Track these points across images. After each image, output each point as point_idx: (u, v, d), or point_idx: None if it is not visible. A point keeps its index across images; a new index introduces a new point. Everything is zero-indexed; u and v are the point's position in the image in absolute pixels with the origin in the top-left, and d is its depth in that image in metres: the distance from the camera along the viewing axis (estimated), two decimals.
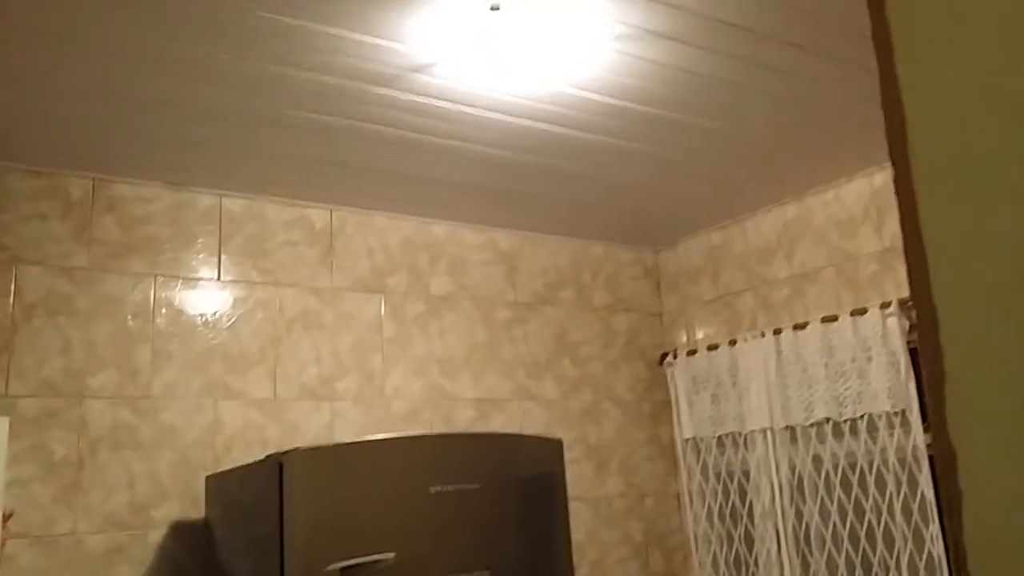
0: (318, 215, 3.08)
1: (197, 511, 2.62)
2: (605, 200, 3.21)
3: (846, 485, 2.91)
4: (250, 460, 2.44)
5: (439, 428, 3.11)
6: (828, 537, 2.94)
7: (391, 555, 2.01)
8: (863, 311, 2.90)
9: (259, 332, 2.87)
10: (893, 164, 0.57)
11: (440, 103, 2.38)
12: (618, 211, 3.35)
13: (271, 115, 2.38)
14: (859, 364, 2.89)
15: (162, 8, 1.86)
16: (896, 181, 0.57)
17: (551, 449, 2.42)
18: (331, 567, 1.97)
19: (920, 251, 0.54)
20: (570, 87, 2.34)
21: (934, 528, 2.64)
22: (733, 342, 3.33)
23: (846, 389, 2.92)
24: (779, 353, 3.14)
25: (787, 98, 2.44)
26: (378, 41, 2.06)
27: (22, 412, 2.46)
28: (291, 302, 2.96)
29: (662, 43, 2.13)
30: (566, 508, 2.41)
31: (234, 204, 2.92)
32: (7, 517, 2.26)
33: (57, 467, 2.48)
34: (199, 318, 2.79)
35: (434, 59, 2.16)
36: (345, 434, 2.92)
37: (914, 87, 0.57)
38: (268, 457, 2.18)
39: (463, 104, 2.39)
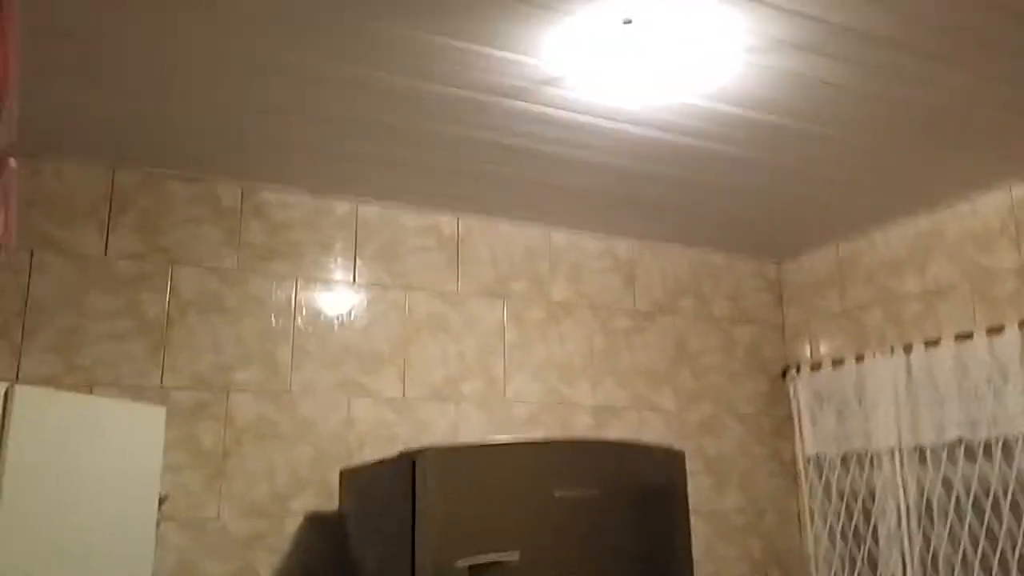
0: (446, 222, 3.19)
1: (331, 503, 2.76)
2: (728, 210, 3.20)
3: (978, 510, 2.80)
4: (382, 456, 2.56)
5: (557, 433, 3.16)
6: (957, 564, 2.84)
7: (516, 553, 2.08)
8: (1000, 329, 2.79)
9: (390, 334, 3.01)
10: None
11: (569, 115, 2.44)
12: (741, 221, 3.33)
13: (406, 127, 2.50)
14: (995, 385, 2.78)
15: (307, 26, 1.99)
16: None
17: (673, 460, 2.44)
18: (460, 563, 2.05)
19: None
20: (698, 98, 2.36)
21: None
22: (860, 358, 3.26)
23: (980, 410, 2.81)
24: (909, 371, 3.05)
25: (922, 109, 2.39)
26: (510, 55, 2.13)
27: (176, 403, 2.66)
28: (420, 305, 3.08)
29: (793, 53, 2.13)
30: (687, 521, 2.42)
31: (369, 211, 3.07)
32: (162, 501, 2.45)
33: (206, 456, 2.67)
34: (335, 319, 2.94)
35: (565, 72, 2.22)
36: (468, 435, 3.02)
37: None
38: (402, 454, 2.28)
39: (591, 115, 2.44)
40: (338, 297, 2.97)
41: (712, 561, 3.32)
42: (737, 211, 3.22)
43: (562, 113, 2.43)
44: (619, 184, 2.94)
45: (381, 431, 2.90)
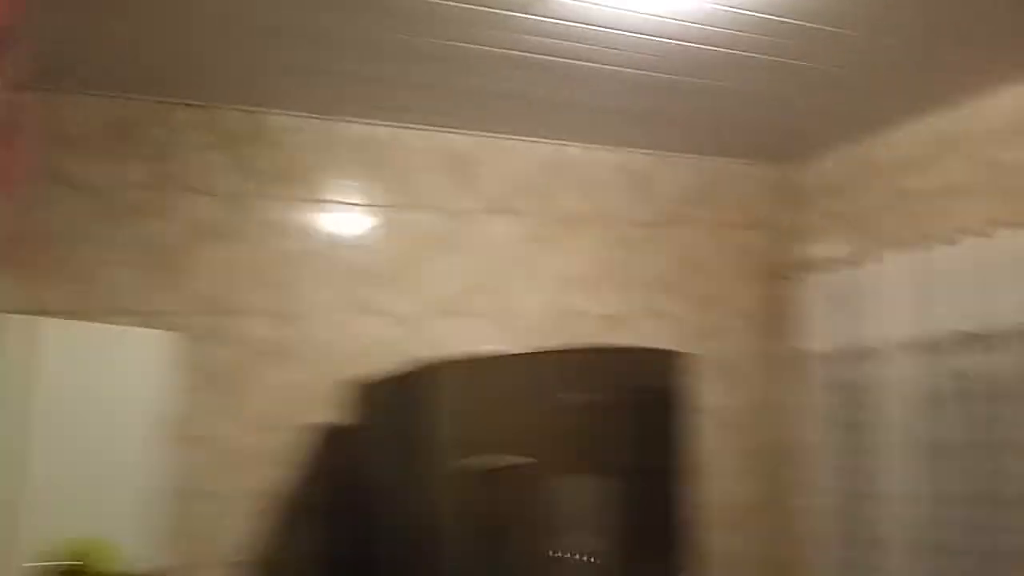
0: (457, 140, 3.18)
1: (346, 417, 2.84)
2: (740, 116, 3.15)
3: (980, 398, 2.81)
4: (396, 372, 2.62)
5: (568, 343, 3.20)
6: (958, 448, 2.85)
7: (533, 460, 2.14)
8: (1021, 224, 2.75)
9: (401, 253, 3.05)
10: None
11: (578, 25, 2.39)
12: (753, 127, 3.28)
13: (414, 44, 2.47)
14: (1008, 279, 2.76)
15: None
16: None
17: (678, 361, 2.48)
18: (475, 467, 2.12)
19: None
20: (711, 2, 2.30)
21: None
22: (870, 258, 3.24)
23: (992, 304, 2.80)
24: (922, 269, 3.03)
25: (938, 3, 2.31)
26: None
27: (189, 328, 2.73)
28: (431, 224, 3.11)
29: None
30: (691, 419, 2.47)
31: (379, 132, 3.07)
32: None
33: (218, 376, 2.76)
34: (347, 240, 2.98)
35: None
36: (482, 348, 3.06)
37: None
38: (419, 366, 2.33)
39: (604, 26, 2.39)
40: (350, 219, 3.00)
41: (718, 456, 3.34)
42: (750, 117, 3.17)
43: (573, 24, 2.38)
44: (631, 95, 2.89)
45: (393, 348, 2.95)
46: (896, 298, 3.11)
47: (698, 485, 2.50)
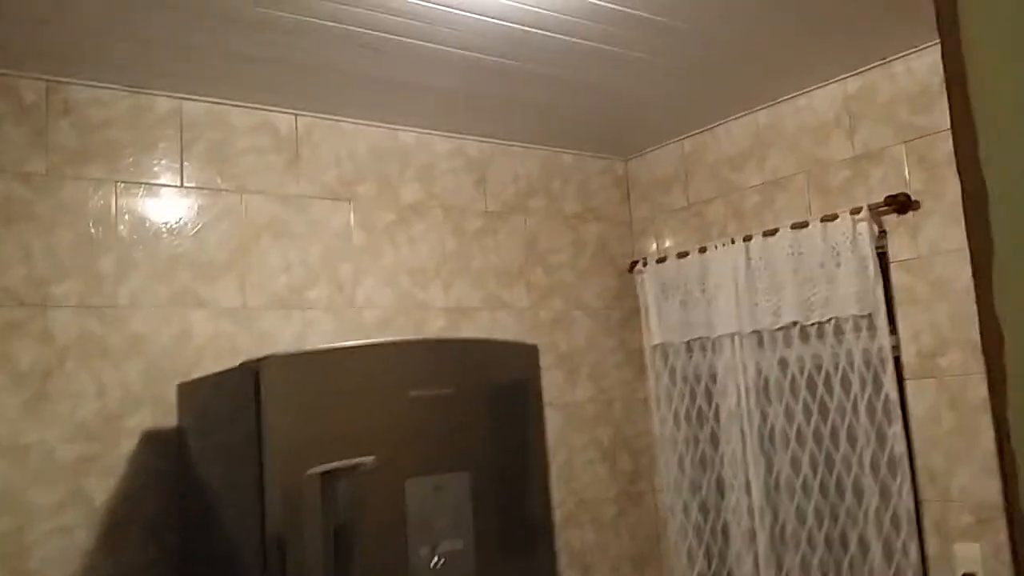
0: (283, 120, 2.98)
1: (170, 420, 2.61)
2: (576, 106, 3.15)
3: (812, 387, 2.98)
4: (222, 368, 2.42)
5: (410, 337, 3.10)
6: (792, 436, 3.03)
7: (372, 458, 2.02)
8: (833, 217, 2.92)
9: (226, 240, 2.81)
10: (943, 40, 0.55)
11: (416, 2, 2.28)
12: (589, 119, 3.30)
13: (234, 10, 2.27)
14: (828, 269, 2.93)
15: None
16: (944, 55, 0.55)
17: (526, 354, 2.44)
18: (311, 471, 1.98)
19: (969, 123, 0.53)
20: None
21: (897, 427, 2.73)
22: (703, 249, 3.35)
23: (814, 294, 2.96)
24: (748, 259, 3.17)
25: (765, 2, 2.39)
26: None
27: None
28: (258, 209, 2.89)
29: None
30: (542, 412, 2.44)
31: (195, 108, 2.82)
32: None
33: (23, 377, 2.44)
34: (163, 226, 2.72)
35: None
36: (317, 343, 2.90)
37: None
38: (243, 364, 2.16)
39: (437, 3, 2.30)
40: (165, 202, 2.74)
41: (565, 449, 3.40)
42: (585, 108, 3.18)
43: (408, 1, 2.27)
44: (467, 79, 2.82)
45: (221, 343, 2.74)
46: (724, 290, 3.23)
47: (550, 480, 2.47)
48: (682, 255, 3.44)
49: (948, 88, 0.54)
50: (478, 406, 2.29)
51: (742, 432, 3.17)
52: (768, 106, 3.23)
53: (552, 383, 3.39)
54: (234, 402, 2.20)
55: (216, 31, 2.37)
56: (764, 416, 3.12)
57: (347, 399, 2.10)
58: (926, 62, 2.75)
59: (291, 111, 2.99)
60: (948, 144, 2.67)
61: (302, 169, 3.00)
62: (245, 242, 2.85)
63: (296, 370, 2.09)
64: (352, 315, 3.02)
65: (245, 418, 2.11)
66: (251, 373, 2.09)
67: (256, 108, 2.92)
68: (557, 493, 3.28)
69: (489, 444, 2.30)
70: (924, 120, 2.76)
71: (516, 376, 2.40)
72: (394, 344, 2.26)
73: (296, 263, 2.93)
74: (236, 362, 2.41)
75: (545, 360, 3.33)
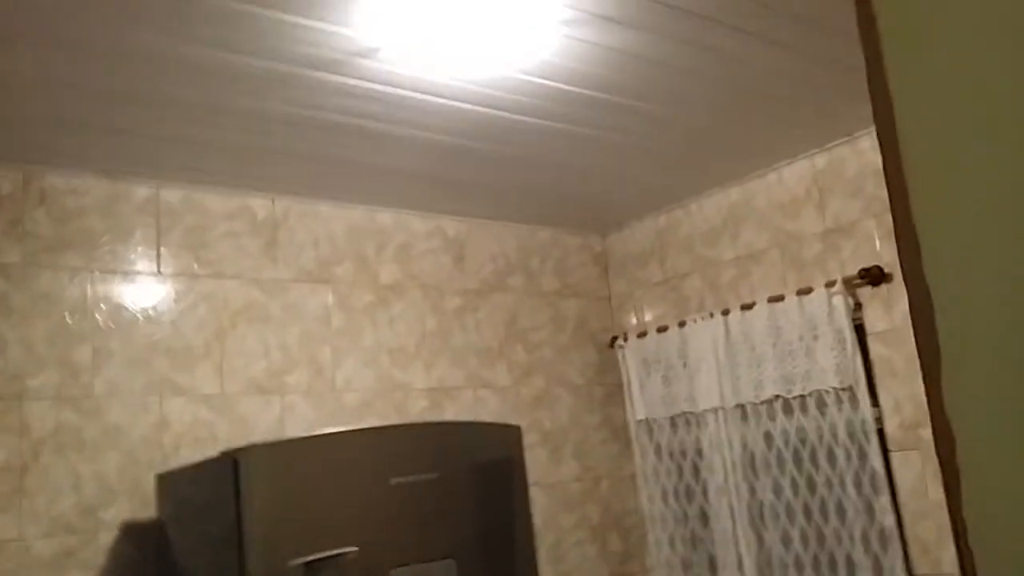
0: (260, 205, 3.01)
1: (148, 511, 2.55)
2: (552, 185, 3.20)
3: (797, 460, 2.97)
4: (201, 457, 2.39)
5: (392, 419, 3.07)
6: (782, 511, 3.00)
7: (355, 549, 1.98)
8: (808, 290, 2.95)
9: (203, 326, 2.80)
10: (880, 141, 0.57)
11: (385, 88, 2.34)
12: (565, 197, 3.35)
13: (210, 102, 2.31)
14: (806, 342, 2.94)
15: None
16: (884, 156, 0.57)
17: (509, 435, 2.42)
18: (293, 563, 1.94)
19: (911, 229, 0.54)
20: (517, 72, 2.32)
21: (884, 499, 2.72)
22: (682, 323, 3.37)
23: (794, 367, 2.97)
24: (727, 333, 3.18)
25: (733, 83, 2.46)
26: (322, 25, 2.01)
27: None
28: (235, 295, 2.89)
29: (611, 27, 2.12)
30: (526, 494, 2.41)
31: (172, 195, 2.84)
32: None
33: (0, 472, 2.39)
34: (140, 313, 2.71)
35: (379, 44, 2.12)
36: (296, 428, 2.87)
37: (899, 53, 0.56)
38: (222, 454, 2.13)
39: (409, 89, 2.35)
40: (141, 289, 2.73)
41: (553, 530, 3.35)
42: (561, 187, 3.23)
43: (378, 87, 2.33)
44: (442, 161, 2.86)
45: (199, 431, 2.71)
46: (705, 364, 3.24)
47: (538, 563, 2.43)
48: (662, 329, 3.45)
49: (890, 199, 0.55)
50: (462, 491, 2.26)
51: (731, 508, 3.14)
52: (739, 182, 3.29)
53: (537, 462, 3.36)
54: (213, 492, 2.16)
55: (193, 121, 2.40)
56: (752, 491, 3.10)
57: (328, 487, 2.07)
58: None
59: (268, 195, 3.02)
60: None
61: (279, 252, 3.01)
62: (222, 328, 2.84)
63: (276, 459, 2.06)
64: (332, 399, 2.99)
65: (225, 509, 2.07)
66: (230, 463, 2.06)
67: (232, 193, 2.95)
68: (547, 575, 3.21)
69: (474, 529, 2.27)
70: None
71: (499, 458, 2.38)
72: (375, 430, 2.24)
73: (274, 347, 2.92)
74: (215, 450, 2.38)
75: (529, 439, 3.31)
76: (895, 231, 0.56)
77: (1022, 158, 0.50)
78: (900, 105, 0.55)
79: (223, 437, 2.73)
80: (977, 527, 0.51)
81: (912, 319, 0.55)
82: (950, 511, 0.52)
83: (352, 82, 2.28)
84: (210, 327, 2.81)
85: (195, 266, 2.84)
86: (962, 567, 0.51)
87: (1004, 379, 0.50)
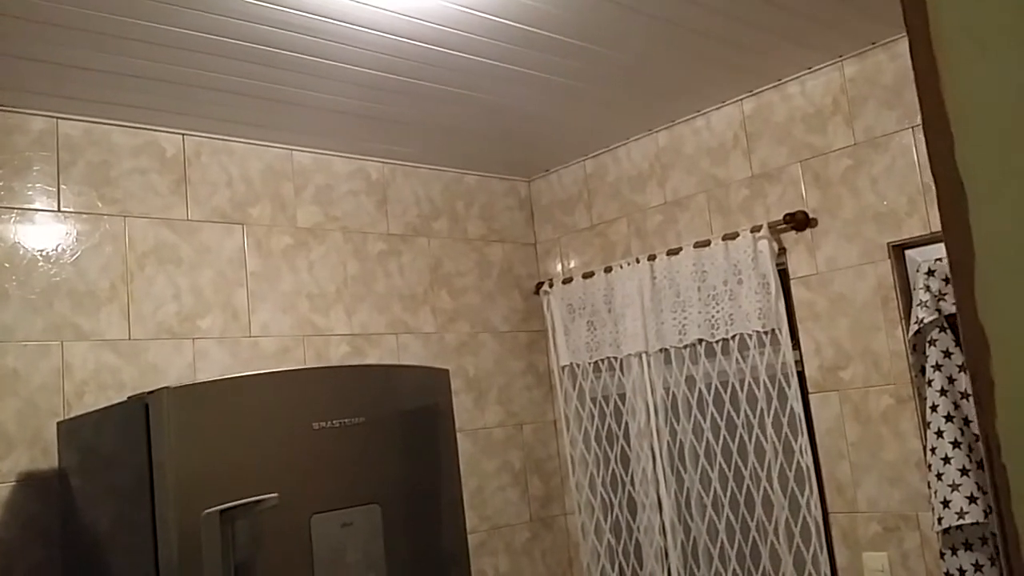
0: (169, 140, 2.83)
1: (49, 461, 2.40)
2: (479, 127, 3.11)
3: (719, 403, 3.00)
4: (106, 404, 2.25)
5: (311, 366, 2.97)
6: (702, 453, 3.04)
7: (274, 495, 1.90)
8: (734, 235, 2.96)
9: (108, 268, 2.64)
10: (908, 26, 0.52)
11: (310, 17, 2.20)
12: (492, 139, 3.26)
13: (114, 25, 2.13)
14: (731, 287, 2.96)
15: None
16: (912, 44, 0.52)
17: (438, 379, 2.36)
18: (209, 510, 1.84)
19: (943, 119, 0.49)
20: (451, 3, 2.21)
21: (803, 440, 2.78)
22: (608, 269, 3.35)
23: (718, 311, 2.99)
24: (653, 278, 3.18)
25: (669, 22, 2.41)
26: None
27: None
28: (142, 235, 2.72)
29: None
30: (454, 439, 2.36)
31: (73, 128, 2.64)
32: None
33: None
34: (38, 254, 2.52)
35: None
36: (209, 375, 2.74)
37: None
38: (132, 398, 2.00)
39: (334, 19, 2.22)
40: (40, 228, 2.54)
41: (475, 475, 3.33)
42: (489, 128, 3.14)
43: (304, 15, 2.18)
44: (367, 98, 2.73)
45: (103, 377, 2.55)
46: (630, 310, 3.23)
47: (464, 508, 2.39)
48: (587, 275, 3.43)
49: (918, 83, 0.50)
50: (388, 435, 2.20)
51: (652, 451, 3.17)
52: (667, 127, 3.26)
53: (461, 408, 3.32)
54: (122, 439, 2.04)
55: (95, 46, 2.22)
56: (673, 434, 3.13)
57: (247, 433, 1.97)
58: (819, 83, 2.83)
59: (178, 130, 2.84)
60: (842, 163, 2.75)
61: (190, 191, 2.85)
62: (129, 270, 2.67)
63: (190, 403, 1.95)
64: (248, 344, 2.87)
65: (135, 455, 1.95)
66: (141, 407, 1.94)
67: (140, 127, 2.76)
68: (469, 521, 3.19)
69: (400, 475, 2.21)
70: (818, 140, 2.83)
71: (427, 402, 2.32)
72: (298, 372, 2.14)
73: (185, 290, 2.77)
74: (121, 397, 2.25)
75: (453, 385, 3.27)
76: (923, 123, 0.51)
77: None
78: None
79: (130, 383, 2.59)
80: (1011, 443, 0.47)
81: (941, 216, 0.50)
82: (981, 427, 0.48)
83: (275, 8, 2.13)
84: (115, 269, 2.65)
85: (99, 204, 2.65)
86: (993, 484, 0.47)
87: None
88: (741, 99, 3.04)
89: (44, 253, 2.53)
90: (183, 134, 2.85)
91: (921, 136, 2.55)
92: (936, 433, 2.40)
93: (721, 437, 3.00)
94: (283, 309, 2.97)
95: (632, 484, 3.27)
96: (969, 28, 0.49)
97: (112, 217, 2.67)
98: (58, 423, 2.37)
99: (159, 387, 1.93)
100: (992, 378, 0.47)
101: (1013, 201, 0.46)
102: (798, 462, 2.79)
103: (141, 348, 2.65)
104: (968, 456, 2.35)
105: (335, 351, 3.06)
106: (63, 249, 2.56)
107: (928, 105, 0.50)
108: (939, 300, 2.45)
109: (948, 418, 2.39)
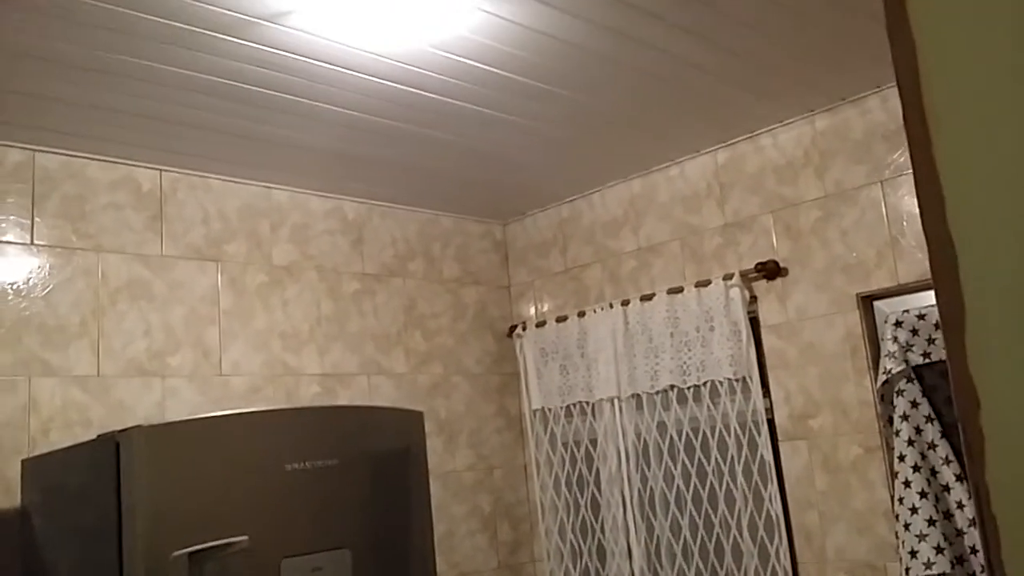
0: (146, 176, 2.82)
1: (11, 499, 2.35)
2: (456, 170, 3.14)
3: (689, 449, 3.01)
4: (73, 442, 2.21)
5: (281, 405, 2.94)
6: (672, 500, 3.04)
7: (244, 538, 1.87)
8: (707, 282, 3.00)
9: (79, 303, 2.61)
10: (901, 88, 0.54)
11: (292, 57, 2.22)
12: (469, 182, 3.29)
13: (94, 60, 2.13)
14: (703, 333, 2.99)
15: None
16: (904, 104, 0.54)
17: (412, 421, 2.35)
18: (177, 553, 1.81)
19: (935, 183, 0.52)
20: (431, 47, 2.25)
21: (772, 488, 2.79)
22: (582, 313, 3.37)
23: (690, 358, 3.02)
24: (626, 324, 3.21)
25: (645, 73, 2.46)
26: None
27: None
28: (116, 270, 2.70)
29: (530, 6, 2.08)
30: (427, 482, 2.35)
31: (49, 160, 2.62)
32: None
33: None
34: (9, 286, 2.49)
35: (290, 7, 2.01)
36: (179, 414, 2.70)
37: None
38: (101, 437, 1.97)
39: (317, 59, 2.25)
40: (12, 261, 2.51)
41: (445, 520, 3.30)
42: (467, 171, 3.17)
43: (285, 55, 2.21)
44: (346, 138, 2.76)
45: (70, 415, 2.51)
46: (603, 354, 3.25)
47: (434, 552, 2.36)
48: (561, 319, 3.45)
49: (910, 144, 0.53)
50: (360, 478, 2.18)
51: (623, 497, 3.17)
52: (642, 175, 3.32)
53: (432, 451, 3.29)
54: (90, 478, 2.00)
55: (75, 80, 2.22)
56: (644, 480, 3.13)
57: (218, 474, 1.95)
58: (791, 136, 2.90)
59: (156, 166, 2.83)
60: (812, 214, 2.81)
61: (166, 227, 2.84)
62: (101, 305, 2.64)
63: (162, 442, 1.92)
64: (218, 383, 2.84)
65: (103, 495, 1.91)
66: (111, 446, 1.91)
67: (117, 162, 2.75)
68: (437, 566, 3.15)
69: (371, 519, 2.18)
70: (789, 191, 2.89)
71: (401, 445, 2.31)
72: (271, 413, 2.13)
73: (157, 327, 2.74)
74: (88, 435, 2.22)
75: (425, 427, 3.24)
76: (915, 180, 0.54)
77: None
78: (923, 49, 0.53)
79: (97, 421, 2.54)
80: (1001, 493, 0.49)
81: (932, 271, 0.52)
82: (972, 476, 0.50)
83: (256, 48, 2.16)
84: (87, 304, 2.62)
85: (73, 238, 2.63)
86: (983, 534, 0.49)
87: None
88: (715, 149, 3.10)
89: (15, 286, 2.50)
90: (161, 169, 2.85)
91: (889, 189, 2.62)
92: (903, 483, 2.43)
93: (692, 484, 3.00)
94: (255, 347, 2.95)
95: (602, 531, 3.25)
96: (959, 91, 0.52)
97: (86, 252, 2.65)
98: (23, 461, 2.32)
99: (130, 425, 1.91)
100: (982, 429, 0.49)
101: (1002, 258, 0.48)
102: (768, 510, 2.80)
103: (110, 385, 2.61)
104: (935, 507, 2.38)
105: (306, 391, 3.04)
106: (34, 283, 2.53)
107: (920, 166, 0.52)
108: (906, 351, 2.49)
109: (915, 468, 2.42)
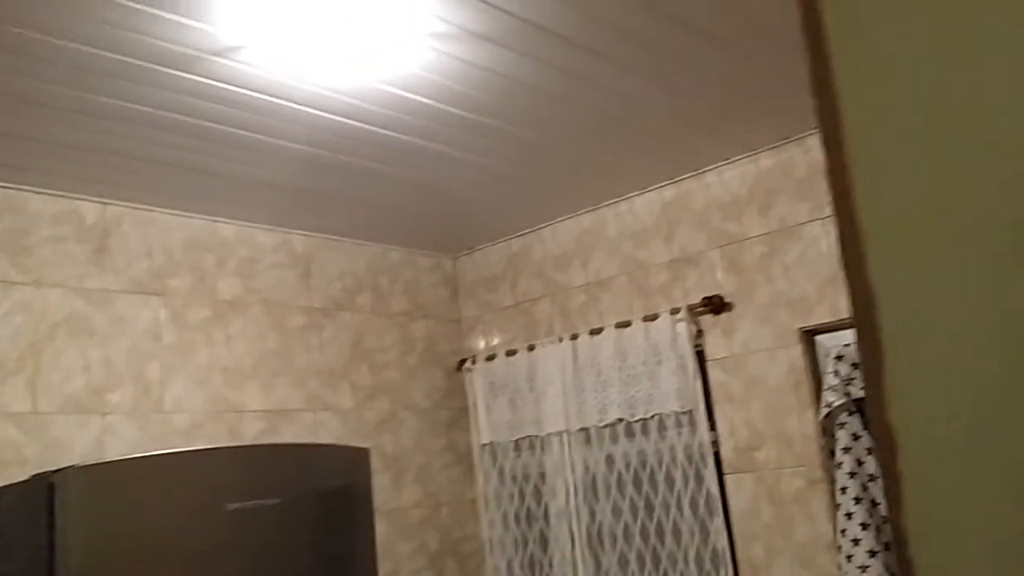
0: (89, 209, 2.77)
1: None
2: (406, 204, 3.14)
3: (637, 483, 3.03)
4: (7, 482, 2.14)
5: (224, 443, 2.89)
6: (620, 534, 3.04)
7: None
8: (654, 317, 3.03)
9: (17, 338, 2.54)
10: (824, 136, 0.56)
11: (240, 91, 2.21)
12: (419, 216, 3.30)
13: (36, 92, 2.10)
14: (650, 367, 3.02)
15: None
16: (827, 152, 0.56)
17: (357, 459, 2.32)
18: None
19: (854, 229, 0.54)
20: (382, 83, 2.26)
21: (718, 521, 2.81)
22: (531, 347, 3.38)
23: (638, 391, 3.04)
24: (575, 358, 3.22)
25: (594, 111, 2.51)
26: (179, 18, 1.88)
27: None
28: (56, 305, 2.64)
29: (481, 45, 2.11)
30: (372, 521, 2.32)
31: None
32: None
33: None
34: None
35: (240, 43, 2.00)
36: (117, 452, 2.64)
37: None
38: (35, 477, 1.91)
39: (266, 94, 2.24)
40: None
41: (391, 559, 3.25)
42: (416, 205, 3.17)
43: (234, 88, 2.20)
44: (295, 172, 2.74)
45: (4, 453, 2.43)
46: (552, 388, 3.26)
47: None
48: (511, 353, 3.45)
49: (833, 197, 0.55)
50: (304, 518, 2.14)
51: (571, 532, 3.16)
52: (591, 210, 3.35)
53: (378, 488, 3.25)
54: (22, 520, 1.94)
55: (15, 112, 2.18)
56: (592, 514, 3.13)
57: (157, 514, 1.90)
58: (736, 174, 2.97)
59: (99, 199, 2.79)
60: (757, 250, 2.87)
61: (108, 261, 2.78)
62: (39, 340, 2.58)
63: (98, 482, 1.87)
64: (159, 420, 2.78)
65: (35, 538, 1.85)
66: (44, 486, 1.85)
67: (60, 195, 2.70)
68: None
69: (314, 559, 2.15)
70: (735, 227, 2.95)
71: (345, 483, 2.28)
72: (211, 451, 2.09)
73: (96, 362, 2.68)
74: (23, 474, 2.15)
75: (371, 463, 3.20)
76: (837, 225, 0.56)
77: (969, 156, 0.51)
78: (847, 102, 0.55)
79: (33, 460, 2.47)
80: (919, 537, 0.50)
81: (853, 317, 0.54)
82: (891, 520, 0.51)
83: (204, 81, 2.14)
84: (25, 339, 2.55)
85: (12, 272, 2.57)
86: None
87: (952, 382, 0.49)
88: (663, 186, 3.15)
89: None
90: (104, 203, 2.80)
91: (830, 227, 2.69)
92: (846, 515, 2.46)
93: (639, 518, 3.01)
94: (197, 383, 2.89)
95: (550, 567, 3.24)
96: (881, 149, 0.54)
97: (25, 286, 2.58)
98: None
99: (65, 465, 1.86)
100: (900, 473, 0.50)
101: (919, 306, 0.50)
102: (713, 544, 2.82)
103: (46, 422, 2.53)
104: (876, 538, 2.42)
105: (249, 428, 2.99)
106: None
107: (842, 218, 0.54)
108: (847, 384, 2.54)
109: (857, 500, 2.46)
